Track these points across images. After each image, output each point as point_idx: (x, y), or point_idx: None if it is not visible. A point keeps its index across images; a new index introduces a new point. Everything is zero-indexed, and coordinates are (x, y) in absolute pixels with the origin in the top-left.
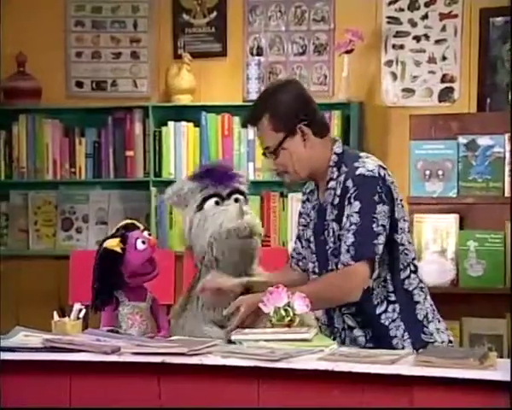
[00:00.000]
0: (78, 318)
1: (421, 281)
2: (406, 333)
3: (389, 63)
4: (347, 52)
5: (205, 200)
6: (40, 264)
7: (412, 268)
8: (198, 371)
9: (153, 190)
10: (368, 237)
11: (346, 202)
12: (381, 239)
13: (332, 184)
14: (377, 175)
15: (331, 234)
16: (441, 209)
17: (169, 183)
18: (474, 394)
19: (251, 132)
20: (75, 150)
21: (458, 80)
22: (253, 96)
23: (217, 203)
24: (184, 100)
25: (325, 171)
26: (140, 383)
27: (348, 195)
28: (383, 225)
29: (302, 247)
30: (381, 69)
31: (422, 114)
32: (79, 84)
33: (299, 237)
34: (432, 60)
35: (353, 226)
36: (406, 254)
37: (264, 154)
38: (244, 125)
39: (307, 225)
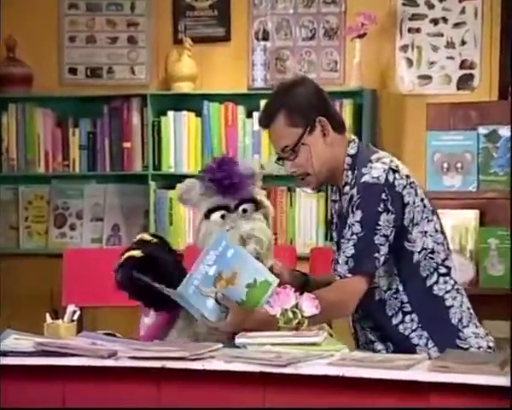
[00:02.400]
0: (73, 320)
1: (455, 283)
2: (431, 342)
3: (404, 48)
4: (359, 36)
5: (210, 211)
6: (31, 263)
7: (443, 271)
8: (200, 376)
9: (151, 184)
10: (368, 250)
11: (350, 210)
12: (383, 251)
13: (347, 189)
14: (383, 182)
15: None
16: (460, 205)
17: (169, 176)
18: (493, 400)
19: (256, 123)
20: (69, 142)
21: (478, 66)
22: (259, 83)
23: (222, 217)
24: (185, 88)
25: (342, 174)
26: (138, 389)
27: (352, 203)
28: (385, 236)
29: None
30: (395, 55)
31: (440, 103)
32: (73, 71)
33: (331, 238)
34: (450, 44)
35: (354, 237)
36: (432, 259)
37: (279, 158)
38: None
39: (336, 227)
